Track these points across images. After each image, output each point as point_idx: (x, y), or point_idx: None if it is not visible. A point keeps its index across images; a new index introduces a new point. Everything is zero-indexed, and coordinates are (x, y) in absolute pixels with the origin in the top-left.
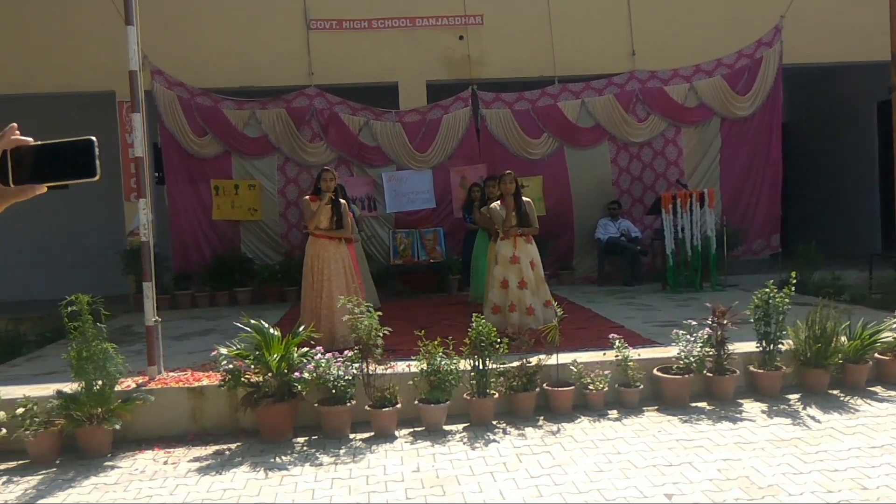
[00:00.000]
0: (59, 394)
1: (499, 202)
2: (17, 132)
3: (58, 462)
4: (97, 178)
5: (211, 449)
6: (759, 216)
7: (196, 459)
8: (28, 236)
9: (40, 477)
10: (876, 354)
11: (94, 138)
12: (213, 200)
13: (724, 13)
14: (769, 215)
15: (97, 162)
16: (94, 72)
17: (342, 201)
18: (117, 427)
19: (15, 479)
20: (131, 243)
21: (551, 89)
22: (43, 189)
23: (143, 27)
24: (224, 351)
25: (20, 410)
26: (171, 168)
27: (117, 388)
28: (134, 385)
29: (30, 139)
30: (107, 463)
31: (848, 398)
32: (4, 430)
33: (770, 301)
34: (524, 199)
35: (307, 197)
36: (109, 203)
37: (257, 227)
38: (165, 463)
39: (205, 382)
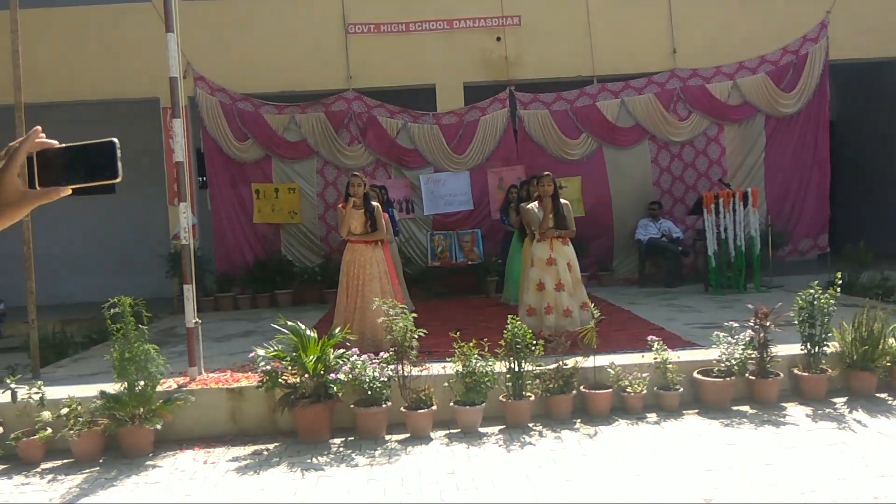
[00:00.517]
0: (103, 394)
1: (536, 203)
2: (42, 135)
3: (101, 461)
4: (119, 179)
5: (249, 449)
6: (806, 216)
7: (235, 459)
8: (78, 240)
9: (84, 476)
10: None
11: (115, 140)
12: (254, 204)
13: (767, 9)
14: (817, 215)
15: (119, 163)
16: (141, 79)
17: (374, 203)
18: (158, 427)
19: (60, 477)
20: (175, 247)
21: (590, 89)
22: (67, 191)
23: (187, 35)
24: (262, 352)
25: (65, 410)
26: (214, 172)
27: (159, 388)
28: (175, 386)
29: (55, 142)
30: (148, 462)
31: None
32: (50, 430)
33: (815, 302)
34: (562, 200)
35: (340, 205)
36: (156, 207)
37: (297, 230)
38: (205, 463)
39: (244, 383)
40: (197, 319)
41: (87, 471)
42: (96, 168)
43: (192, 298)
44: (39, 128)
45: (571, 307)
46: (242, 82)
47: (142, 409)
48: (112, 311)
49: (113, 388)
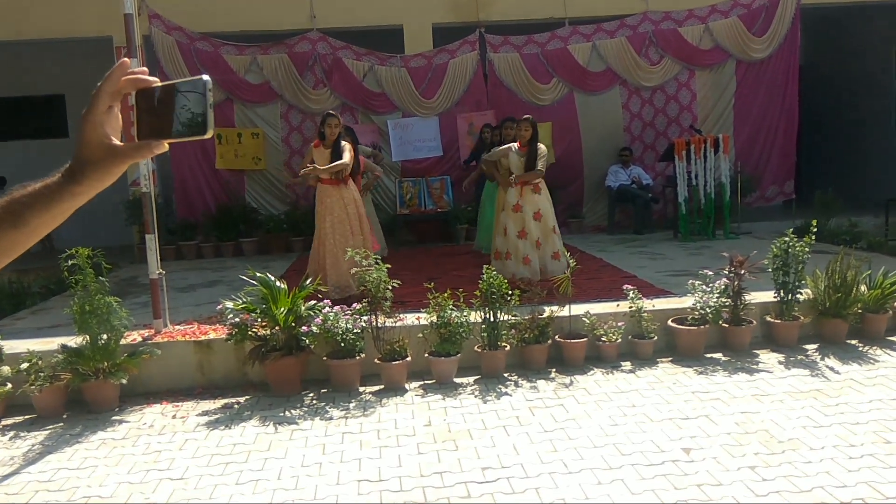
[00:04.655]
0: (64, 348)
1: (515, 144)
2: (144, 69)
3: (65, 416)
4: (210, 135)
5: (219, 402)
6: (774, 162)
7: (205, 413)
8: None
9: (47, 432)
10: None
11: (206, 77)
12: (216, 149)
13: None
14: (784, 161)
15: (210, 113)
16: (91, 16)
17: (343, 143)
18: (123, 381)
19: (22, 434)
20: (134, 193)
21: (561, 32)
22: (163, 147)
23: None
24: (230, 305)
25: (25, 365)
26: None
27: (123, 341)
28: (140, 338)
29: (153, 78)
30: (114, 417)
31: (867, 348)
32: (10, 386)
33: (789, 250)
34: (540, 146)
35: (313, 143)
36: None
37: (262, 177)
38: (174, 417)
39: (212, 336)
40: (161, 270)
41: (51, 427)
42: (187, 116)
43: (156, 249)
44: (127, 60)
45: (531, 256)
46: (200, 21)
47: (105, 364)
48: (70, 262)
49: (74, 341)
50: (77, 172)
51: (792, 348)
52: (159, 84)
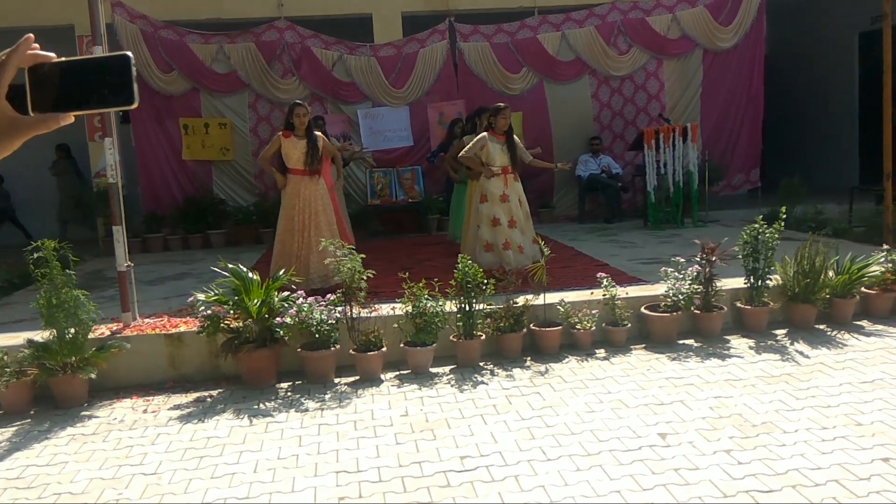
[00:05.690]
0: (30, 343)
1: (486, 133)
2: (36, 45)
3: (32, 412)
4: (135, 105)
5: (192, 396)
6: (740, 150)
7: (177, 407)
8: None
9: (14, 429)
10: (862, 289)
11: (129, 54)
12: (182, 140)
13: None
14: (750, 150)
15: (135, 85)
16: (53, 4)
17: (318, 133)
18: (92, 376)
19: None
20: (98, 185)
21: (531, 21)
22: (69, 118)
23: None
24: (202, 297)
25: None
26: (137, 106)
27: (91, 335)
28: (108, 332)
29: (52, 54)
30: (84, 412)
31: (835, 333)
32: None
33: (759, 237)
34: (514, 137)
35: (281, 133)
36: (73, 143)
37: (230, 168)
38: (145, 411)
39: (182, 329)
40: (129, 263)
41: (18, 423)
42: (104, 89)
43: (123, 241)
44: (31, 35)
45: (524, 244)
46: (165, 9)
47: (74, 358)
48: (35, 255)
49: (41, 336)
50: None
51: (762, 334)
52: (63, 60)
